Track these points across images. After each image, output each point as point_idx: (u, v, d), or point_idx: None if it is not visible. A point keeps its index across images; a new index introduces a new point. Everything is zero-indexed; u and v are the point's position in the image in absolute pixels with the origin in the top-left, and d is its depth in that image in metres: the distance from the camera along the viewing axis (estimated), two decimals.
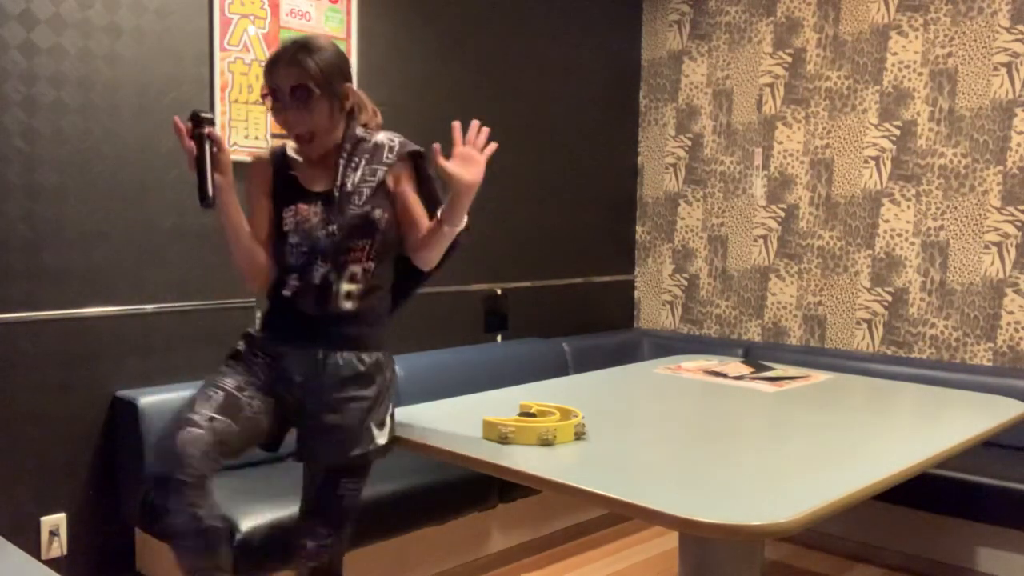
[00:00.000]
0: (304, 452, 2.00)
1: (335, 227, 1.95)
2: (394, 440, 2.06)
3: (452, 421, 2.25)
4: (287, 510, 2.51)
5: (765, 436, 2.17)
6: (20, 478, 2.68)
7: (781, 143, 4.10)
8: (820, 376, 3.02)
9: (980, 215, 3.53)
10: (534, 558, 3.26)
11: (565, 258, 4.32)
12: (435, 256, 2.04)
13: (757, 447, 2.06)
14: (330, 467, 1.99)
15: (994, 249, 3.51)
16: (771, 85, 4.12)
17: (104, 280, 2.81)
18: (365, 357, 1.99)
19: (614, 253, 4.58)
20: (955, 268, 3.61)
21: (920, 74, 3.67)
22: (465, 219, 2.01)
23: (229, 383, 1.91)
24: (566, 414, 2.17)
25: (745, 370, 3.08)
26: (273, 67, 1.93)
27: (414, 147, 2.09)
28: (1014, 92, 3.44)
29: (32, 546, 2.71)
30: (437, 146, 1.95)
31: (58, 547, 2.76)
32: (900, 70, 3.73)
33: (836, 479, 1.81)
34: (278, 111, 1.95)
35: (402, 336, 3.63)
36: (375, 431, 1.98)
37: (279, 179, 2.04)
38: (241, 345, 2.01)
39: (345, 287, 1.96)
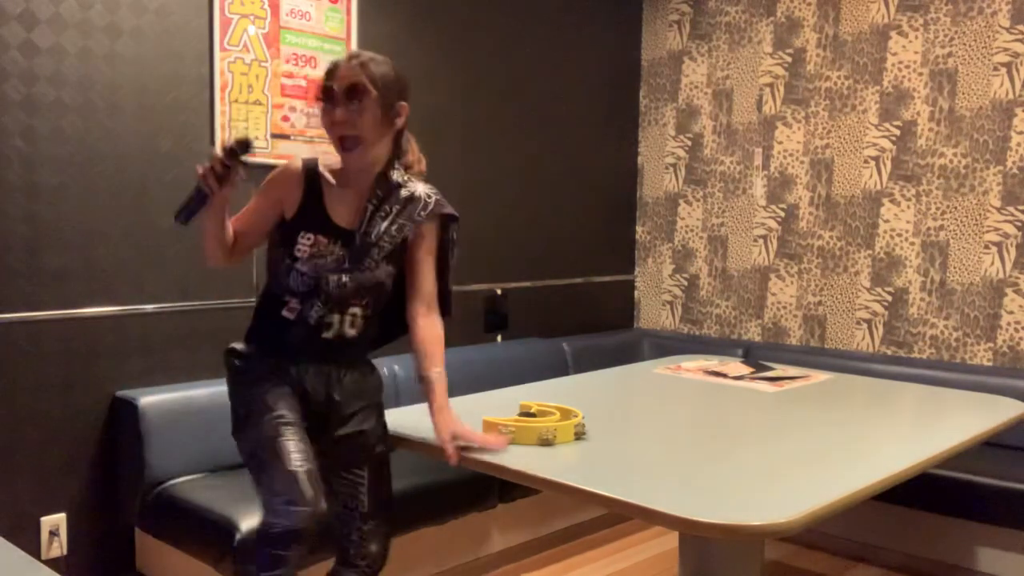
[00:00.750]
0: (331, 461, 2.03)
1: (347, 279, 1.97)
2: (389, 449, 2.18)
3: None
4: None
5: (765, 436, 2.17)
6: (20, 478, 2.68)
7: (781, 143, 4.10)
8: (820, 376, 3.02)
9: (980, 215, 3.53)
10: (534, 558, 3.26)
11: (565, 258, 4.32)
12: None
13: (757, 447, 2.06)
14: (371, 466, 2.06)
15: (994, 249, 3.51)
16: (771, 85, 4.12)
17: (104, 280, 2.81)
18: (368, 369, 2.12)
19: (614, 253, 4.58)
20: (955, 268, 3.61)
21: (920, 74, 3.67)
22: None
23: (296, 439, 1.91)
24: (566, 414, 2.17)
25: (745, 370, 3.08)
26: (334, 68, 1.93)
27: (449, 210, 2.08)
28: (1014, 92, 3.44)
29: (32, 546, 2.71)
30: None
31: (58, 547, 2.76)
32: (900, 70, 3.73)
33: (836, 479, 1.81)
34: (328, 111, 1.92)
35: (402, 336, 3.62)
36: (381, 450, 2.12)
37: (308, 198, 1.99)
38: (265, 371, 1.99)
39: (347, 321, 2.01)
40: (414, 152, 2.11)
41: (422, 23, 3.62)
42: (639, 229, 4.67)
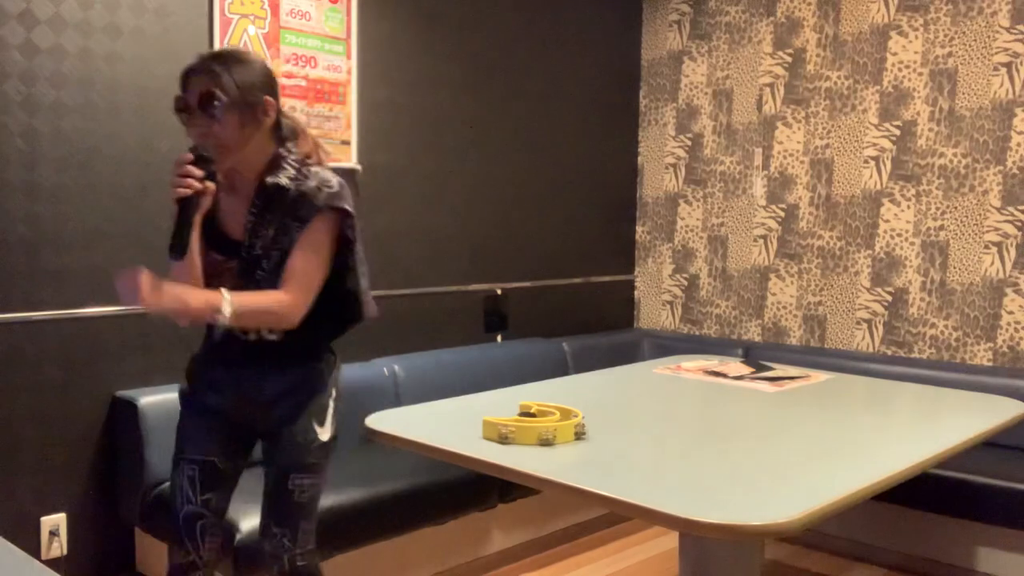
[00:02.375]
0: (265, 456, 2.02)
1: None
2: (336, 436, 2.04)
3: (452, 421, 2.25)
4: None
5: (765, 436, 2.17)
6: (20, 478, 2.68)
7: (781, 143, 4.10)
8: (820, 376, 3.02)
9: (980, 215, 3.53)
10: (534, 558, 3.26)
11: (565, 258, 4.32)
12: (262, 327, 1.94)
13: (757, 447, 2.06)
14: (281, 465, 1.97)
15: (994, 249, 3.51)
16: (771, 85, 4.12)
17: (104, 280, 2.81)
18: (298, 370, 1.98)
19: (614, 253, 4.58)
20: (955, 268, 3.61)
21: (920, 74, 3.67)
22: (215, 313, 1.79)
23: (198, 454, 1.98)
24: (566, 414, 2.17)
25: (745, 370, 3.08)
26: (186, 76, 1.84)
27: (339, 203, 1.89)
28: (1014, 92, 3.44)
29: (32, 546, 2.71)
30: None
31: (58, 547, 2.76)
32: (900, 70, 3.73)
33: (836, 479, 1.81)
34: (189, 124, 1.83)
35: (402, 336, 3.63)
36: (316, 429, 1.98)
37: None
38: (186, 386, 2.04)
39: (262, 331, 1.94)
40: (307, 141, 1.97)
41: (422, 23, 3.62)
42: (639, 229, 4.67)
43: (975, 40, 3.53)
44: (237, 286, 1.87)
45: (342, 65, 3.32)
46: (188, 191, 1.74)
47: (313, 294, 1.90)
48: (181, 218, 1.76)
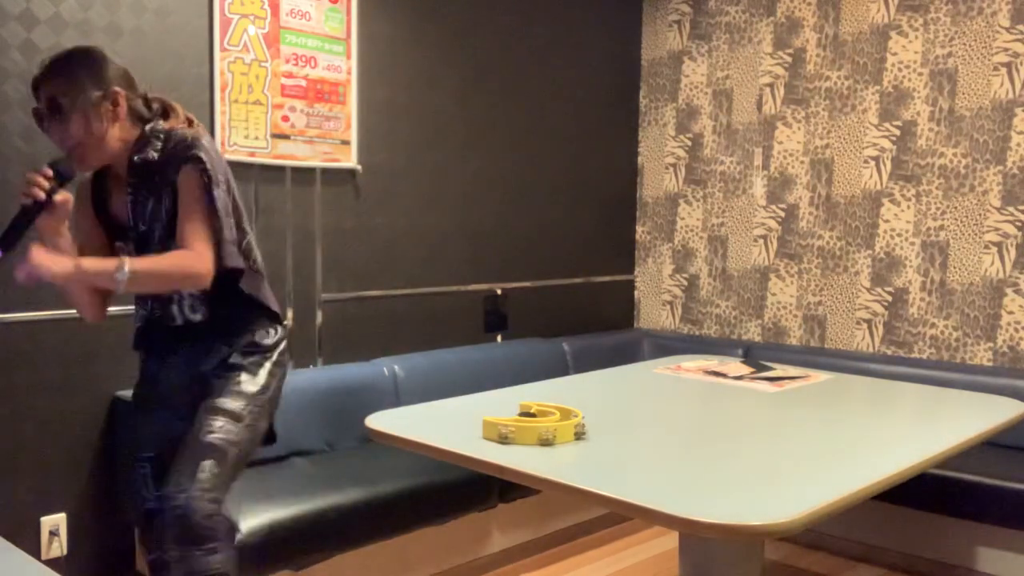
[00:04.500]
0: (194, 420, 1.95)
1: None
2: (273, 397, 1.98)
3: (452, 421, 2.25)
4: (287, 510, 2.51)
5: (765, 436, 2.17)
6: (20, 478, 2.68)
7: (781, 143, 4.10)
8: (820, 376, 3.02)
9: (980, 215, 3.53)
10: (534, 558, 3.26)
11: (565, 258, 4.32)
12: (163, 291, 1.93)
13: (757, 447, 2.06)
14: (200, 408, 1.90)
15: (994, 249, 3.51)
16: (771, 85, 4.12)
17: None
18: (233, 342, 1.97)
19: (614, 253, 4.58)
20: (955, 268, 3.61)
21: (920, 74, 3.67)
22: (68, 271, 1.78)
23: (147, 450, 2.00)
24: (566, 414, 2.17)
25: (745, 370, 3.08)
26: (34, 88, 1.86)
27: (192, 152, 1.87)
28: (1014, 92, 3.44)
29: (32, 546, 2.71)
30: None
31: (58, 547, 2.76)
32: (900, 70, 3.73)
33: (836, 479, 1.81)
34: (46, 131, 1.87)
35: (402, 336, 3.63)
36: (243, 377, 1.94)
37: (97, 204, 1.98)
38: (141, 384, 2.06)
39: (188, 305, 1.95)
40: (179, 117, 1.97)
41: (422, 23, 3.62)
42: (639, 229, 4.67)
43: (975, 40, 3.53)
44: None
45: (342, 65, 3.32)
46: (30, 199, 1.77)
47: (211, 242, 1.86)
48: (18, 219, 1.77)
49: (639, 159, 4.64)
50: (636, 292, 4.71)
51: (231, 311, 1.99)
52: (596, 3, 4.34)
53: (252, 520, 2.43)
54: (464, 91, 3.80)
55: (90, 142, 1.86)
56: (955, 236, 3.60)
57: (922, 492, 3.06)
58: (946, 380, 3.45)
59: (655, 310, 4.63)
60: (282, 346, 2.05)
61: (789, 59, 4.06)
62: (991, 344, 3.52)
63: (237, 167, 3.07)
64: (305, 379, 3.12)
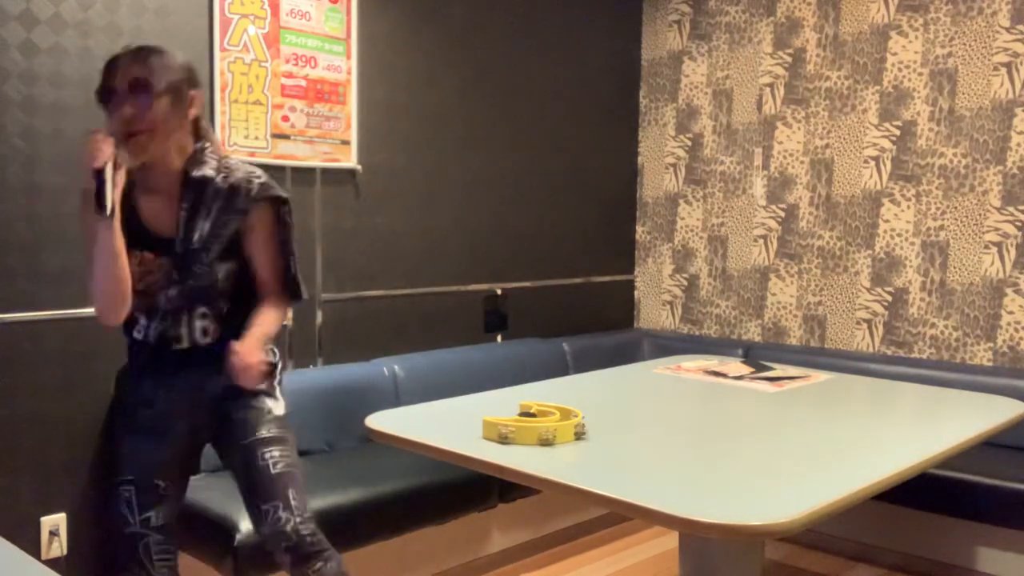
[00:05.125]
0: (222, 454, 2.00)
1: (176, 292, 1.89)
2: (289, 411, 2.07)
3: (452, 421, 2.25)
4: None
5: (765, 436, 2.17)
6: (20, 478, 2.68)
7: (781, 143, 4.10)
8: (820, 376, 3.02)
9: (980, 215, 3.53)
10: (534, 558, 3.26)
11: (565, 258, 4.32)
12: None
13: (757, 447, 2.06)
14: (244, 445, 1.94)
15: (994, 249, 3.51)
16: (771, 85, 4.12)
17: None
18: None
19: (614, 253, 4.58)
20: (955, 268, 3.61)
21: (920, 74, 3.67)
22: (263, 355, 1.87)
23: (132, 474, 1.94)
24: (566, 414, 2.17)
25: (745, 370, 3.08)
26: (113, 65, 1.82)
27: (275, 192, 1.95)
28: (1014, 92, 3.44)
29: (32, 546, 2.71)
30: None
31: (58, 547, 2.76)
32: (900, 70, 3.73)
33: (836, 479, 1.81)
34: (114, 110, 1.81)
35: (402, 336, 3.63)
36: (270, 403, 1.99)
37: (124, 212, 1.89)
38: (130, 409, 1.98)
39: (199, 329, 1.93)
40: (214, 141, 2.00)
41: (422, 23, 3.62)
42: (639, 229, 4.67)
43: (975, 40, 3.53)
44: (172, 281, 1.88)
45: (342, 65, 3.32)
46: (100, 162, 1.73)
47: (285, 279, 2.01)
48: (100, 180, 1.74)
49: (639, 159, 4.64)
50: (636, 292, 4.71)
51: (240, 334, 1.95)
52: (596, 3, 4.34)
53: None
54: (464, 91, 3.80)
55: (160, 130, 1.83)
56: (955, 236, 3.60)
57: (922, 492, 3.06)
58: (946, 380, 3.45)
59: (655, 310, 4.63)
60: (280, 363, 2.08)
61: (789, 59, 4.06)
62: (991, 344, 3.53)
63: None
64: (305, 379, 3.12)
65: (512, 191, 4.03)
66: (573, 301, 4.38)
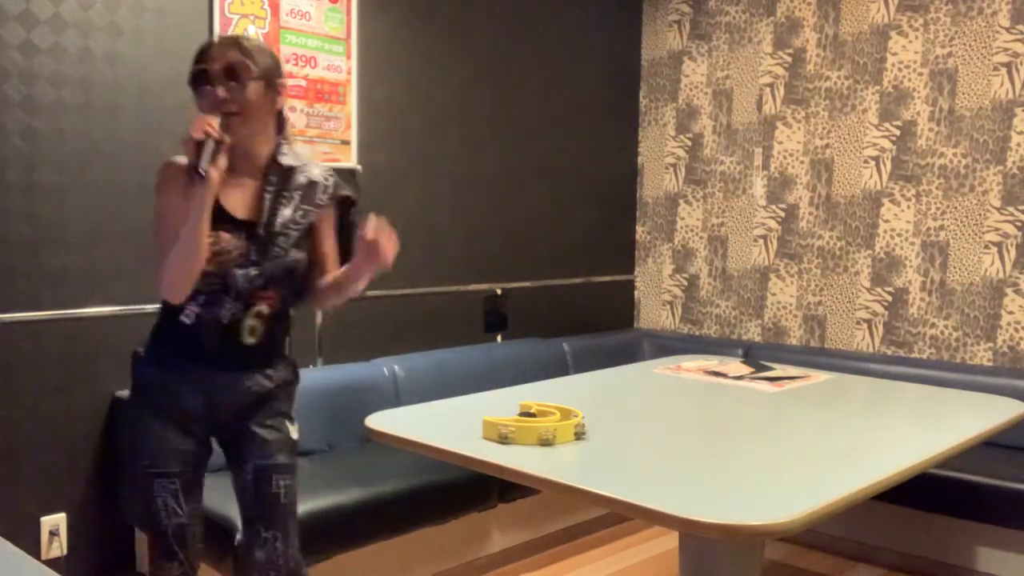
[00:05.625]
0: (232, 457, 2.01)
1: (256, 272, 1.90)
2: (299, 435, 2.09)
3: (452, 421, 2.25)
4: None
5: (765, 436, 2.17)
6: (20, 478, 2.68)
7: (781, 143, 4.10)
8: (820, 376, 3.02)
9: (980, 215, 3.53)
10: (534, 558, 3.26)
11: (565, 258, 4.32)
12: (330, 304, 2.06)
13: (757, 447, 2.06)
14: (260, 466, 1.96)
15: (994, 249, 3.51)
16: (771, 85, 4.12)
17: (104, 280, 2.81)
18: (271, 373, 1.99)
19: (614, 253, 4.58)
20: (955, 268, 3.61)
21: (920, 74, 3.67)
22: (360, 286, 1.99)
23: (175, 467, 1.94)
24: (566, 414, 2.17)
25: (745, 370, 3.08)
26: (207, 50, 1.86)
27: (348, 192, 2.08)
28: (1014, 92, 3.44)
29: (32, 546, 2.71)
30: (373, 217, 1.94)
31: (58, 547, 2.76)
32: (900, 70, 3.73)
33: (836, 479, 1.81)
34: (208, 93, 1.84)
35: (402, 336, 3.63)
36: (289, 428, 2.02)
37: None
38: (146, 390, 1.96)
39: (249, 323, 1.93)
40: (290, 136, 2.06)
41: (422, 23, 3.62)
42: (639, 229, 4.67)
43: (975, 40, 3.53)
44: (249, 263, 1.90)
45: (342, 65, 3.32)
46: (204, 136, 1.75)
47: None
48: (201, 147, 1.75)
49: (639, 159, 4.64)
50: (636, 292, 4.71)
51: (279, 336, 2.02)
52: (596, 3, 4.34)
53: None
54: (464, 91, 3.80)
55: (253, 114, 1.87)
56: (955, 236, 3.60)
57: (922, 492, 3.06)
58: (946, 380, 3.45)
59: (655, 310, 4.63)
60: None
61: (789, 59, 4.06)
62: (991, 344, 3.52)
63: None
64: (305, 379, 3.10)
65: (512, 191, 4.03)
66: (573, 301, 4.38)
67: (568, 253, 4.33)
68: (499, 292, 4.00)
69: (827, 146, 3.96)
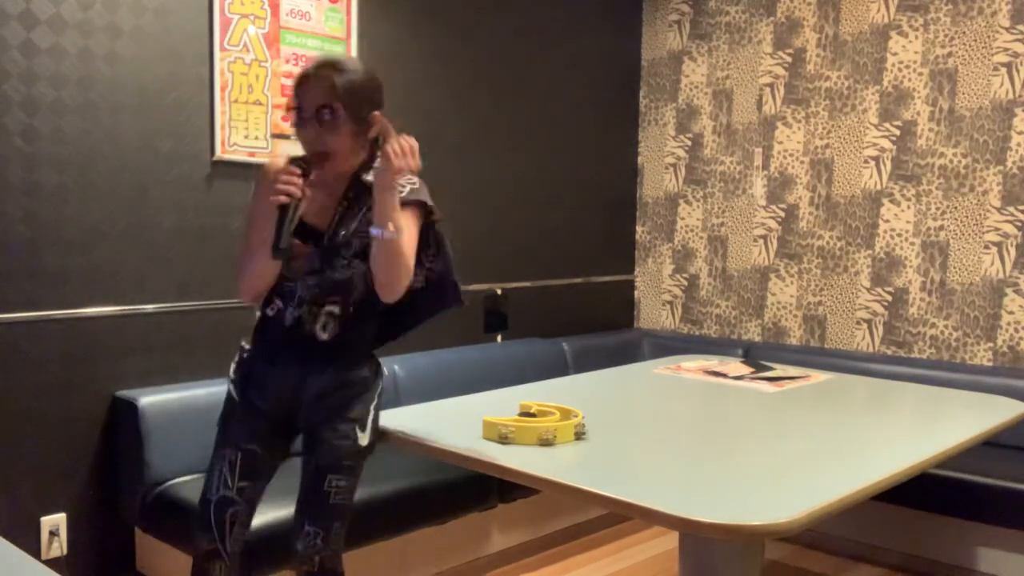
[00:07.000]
0: (305, 447, 2.05)
1: (314, 282, 1.96)
2: (375, 441, 2.08)
3: (452, 421, 2.25)
4: (287, 510, 2.51)
5: (765, 436, 2.17)
6: (20, 478, 2.68)
7: (781, 143, 4.10)
8: (820, 376, 3.02)
9: (980, 215, 3.53)
10: (534, 558, 3.26)
11: (565, 258, 4.32)
12: (384, 275, 1.92)
13: (757, 447, 2.06)
14: (319, 465, 2.00)
15: (994, 249, 3.51)
16: (771, 85, 4.12)
17: (104, 280, 2.81)
18: (344, 374, 2.02)
19: (614, 253, 4.58)
20: (955, 268, 3.61)
21: (920, 74, 3.67)
22: (392, 227, 1.87)
23: (242, 441, 2.00)
24: (566, 414, 2.17)
25: (745, 370, 3.08)
26: (302, 83, 1.90)
27: (419, 197, 1.99)
28: (1014, 92, 3.44)
29: (32, 546, 2.71)
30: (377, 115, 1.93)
31: (58, 547, 2.76)
32: (900, 70, 3.73)
33: (836, 479, 1.81)
34: (300, 127, 1.91)
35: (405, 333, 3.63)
36: (358, 433, 2.02)
37: None
38: (234, 375, 2.06)
39: (321, 323, 1.98)
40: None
41: (422, 23, 3.62)
42: (639, 229, 4.67)
43: (975, 40, 3.53)
44: (313, 271, 1.95)
45: None
46: (287, 199, 1.81)
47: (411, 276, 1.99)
48: (282, 219, 1.82)
49: (639, 159, 4.64)
50: (636, 292, 4.71)
51: (353, 336, 2.02)
52: (596, 3, 4.34)
53: (259, 517, 2.43)
54: (464, 91, 3.80)
55: (341, 156, 1.91)
56: (955, 236, 3.60)
57: (922, 492, 3.06)
58: (946, 380, 3.45)
59: (655, 310, 4.63)
60: (382, 386, 2.11)
61: (789, 59, 4.06)
62: (991, 344, 3.53)
63: (237, 167, 3.07)
64: None
65: (512, 191, 4.03)
66: (573, 301, 4.38)
67: (568, 253, 4.33)
68: (499, 292, 4.00)
69: (827, 146, 3.96)
